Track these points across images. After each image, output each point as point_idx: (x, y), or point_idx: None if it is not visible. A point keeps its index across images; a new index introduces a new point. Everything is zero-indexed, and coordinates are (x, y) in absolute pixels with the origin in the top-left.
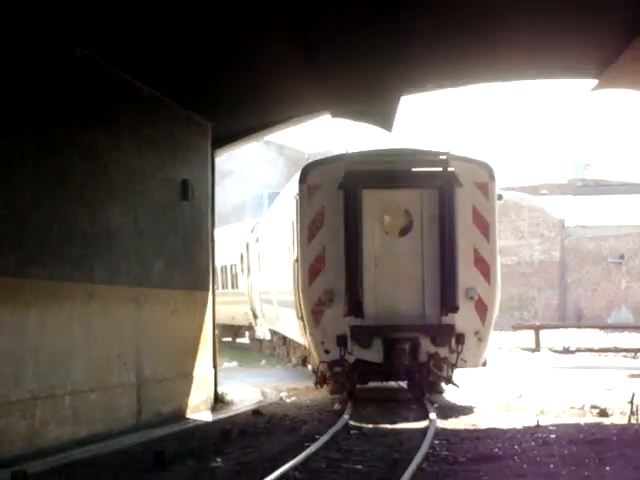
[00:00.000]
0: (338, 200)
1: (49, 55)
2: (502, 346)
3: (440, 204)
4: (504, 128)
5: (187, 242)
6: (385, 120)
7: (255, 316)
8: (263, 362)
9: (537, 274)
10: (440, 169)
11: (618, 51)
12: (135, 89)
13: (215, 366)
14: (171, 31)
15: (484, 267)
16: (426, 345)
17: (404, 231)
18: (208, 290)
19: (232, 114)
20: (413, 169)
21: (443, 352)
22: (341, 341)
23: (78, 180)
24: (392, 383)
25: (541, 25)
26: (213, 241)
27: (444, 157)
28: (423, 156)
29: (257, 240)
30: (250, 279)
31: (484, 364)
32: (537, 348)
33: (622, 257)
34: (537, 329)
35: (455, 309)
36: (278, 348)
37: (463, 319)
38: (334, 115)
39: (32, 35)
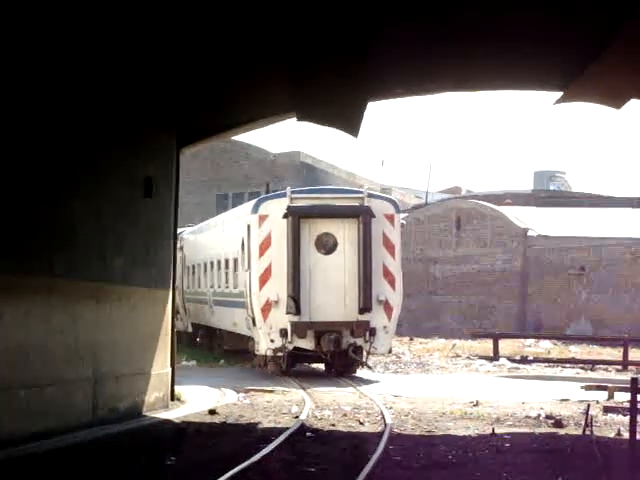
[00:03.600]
0: (282, 227)
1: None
2: (460, 353)
3: (358, 231)
4: (469, 137)
5: (149, 239)
6: (351, 125)
7: (177, 312)
8: (222, 362)
9: (498, 283)
10: (358, 204)
11: (584, 65)
12: (100, 86)
13: (173, 364)
14: (136, 29)
15: (391, 278)
16: (347, 336)
17: (331, 250)
18: (169, 288)
19: (198, 113)
20: (339, 204)
21: (360, 342)
22: (283, 333)
23: (40, 173)
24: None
25: (509, 38)
26: (175, 239)
27: (362, 195)
28: (346, 194)
29: (181, 248)
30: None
31: (390, 351)
32: (495, 357)
33: (583, 269)
34: (496, 338)
35: (369, 310)
36: (201, 339)
37: (375, 317)
38: (300, 118)
39: None
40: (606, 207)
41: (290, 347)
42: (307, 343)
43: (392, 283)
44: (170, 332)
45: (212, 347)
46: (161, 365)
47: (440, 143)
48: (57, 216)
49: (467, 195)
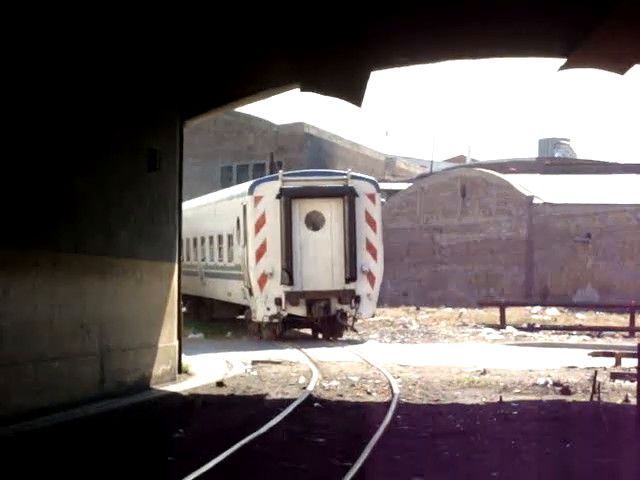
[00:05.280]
0: (275, 206)
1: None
2: (467, 322)
3: (343, 209)
4: (473, 106)
5: (154, 213)
6: (355, 95)
7: None
8: (229, 334)
9: (504, 251)
10: (343, 185)
11: (587, 31)
12: (102, 60)
13: (180, 337)
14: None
15: (373, 251)
16: (335, 304)
17: (319, 227)
18: (174, 261)
19: (201, 85)
20: (325, 185)
21: (346, 308)
22: (278, 302)
23: (44, 148)
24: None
25: (512, 4)
26: (180, 212)
27: (346, 177)
28: (332, 176)
29: None
30: None
31: (373, 316)
32: (502, 325)
33: (589, 236)
34: (502, 306)
35: (354, 279)
36: (189, 308)
37: (359, 286)
38: (303, 89)
39: None
40: (611, 174)
41: (284, 314)
42: (299, 310)
43: (374, 255)
44: (177, 305)
45: (199, 315)
46: (168, 338)
47: (444, 112)
48: (62, 190)
49: (472, 164)
